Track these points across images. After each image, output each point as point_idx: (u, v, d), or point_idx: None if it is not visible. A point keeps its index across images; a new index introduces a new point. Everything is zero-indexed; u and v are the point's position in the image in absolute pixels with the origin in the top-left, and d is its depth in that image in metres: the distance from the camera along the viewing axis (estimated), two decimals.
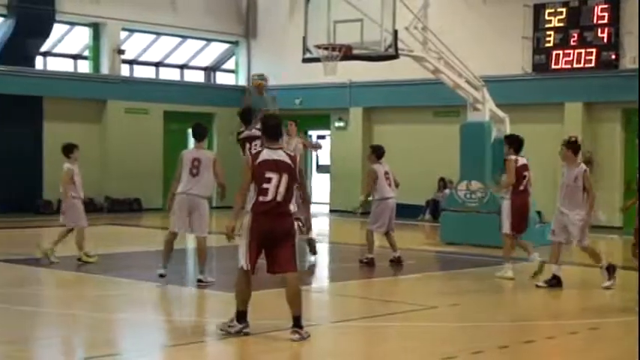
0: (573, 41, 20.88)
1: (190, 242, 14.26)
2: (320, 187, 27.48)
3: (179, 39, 26.50)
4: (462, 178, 17.38)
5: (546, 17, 21.29)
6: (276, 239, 8.24)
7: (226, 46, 27.79)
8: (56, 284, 12.03)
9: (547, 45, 21.28)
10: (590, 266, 14.24)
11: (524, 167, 12.69)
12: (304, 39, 16.81)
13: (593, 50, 20.57)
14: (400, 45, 16.17)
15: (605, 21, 20.45)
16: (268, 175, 8.18)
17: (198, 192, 11.32)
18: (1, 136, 22.64)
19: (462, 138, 17.45)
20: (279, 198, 8.20)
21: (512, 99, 20.47)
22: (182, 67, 27.23)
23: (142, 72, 26.38)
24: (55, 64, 24.58)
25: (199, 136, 11.67)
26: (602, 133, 20.97)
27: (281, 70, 26.00)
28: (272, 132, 8.41)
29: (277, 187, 8.19)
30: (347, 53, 16.10)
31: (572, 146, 11.82)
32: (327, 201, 26.23)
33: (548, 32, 21.24)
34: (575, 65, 20.87)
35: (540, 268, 12.03)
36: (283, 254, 8.27)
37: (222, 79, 28.28)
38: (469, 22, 22.55)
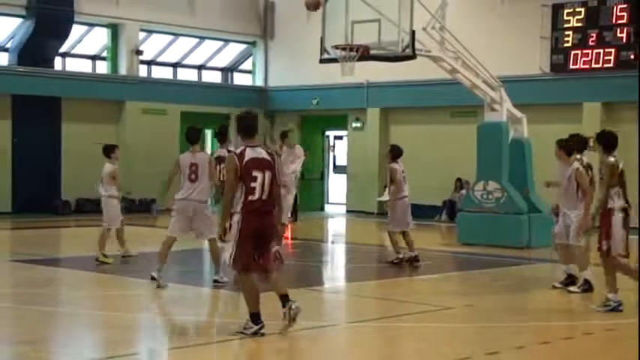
0: (592, 41, 20.78)
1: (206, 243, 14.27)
2: (337, 187, 27.48)
3: (197, 40, 26.59)
4: (478, 178, 17.32)
5: (565, 17, 21.19)
6: (264, 237, 8.34)
7: (244, 46, 27.85)
8: (74, 284, 12.09)
9: (565, 45, 21.18)
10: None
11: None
12: (322, 39, 16.80)
13: (612, 50, 20.46)
14: (417, 45, 16.13)
15: (624, 21, 20.34)
16: (255, 173, 8.25)
17: (199, 197, 11.23)
18: (19, 137, 22.80)
19: (479, 138, 17.39)
20: (264, 196, 8.28)
21: (530, 99, 20.40)
22: (200, 67, 27.31)
23: (160, 73, 26.49)
24: (74, 65, 24.73)
25: (194, 140, 11.44)
26: (621, 133, 20.78)
27: (298, 71, 26.07)
28: (248, 129, 8.46)
29: (262, 185, 8.27)
30: (364, 53, 16.07)
31: (564, 145, 11.69)
32: (344, 202, 26.22)
33: (566, 32, 21.14)
34: (593, 65, 20.76)
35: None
36: (269, 251, 8.43)
37: (239, 79, 28.35)
38: (487, 22, 22.48)
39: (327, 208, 27.13)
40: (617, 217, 9.92)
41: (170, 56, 26.59)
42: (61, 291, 11.61)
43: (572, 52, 21.07)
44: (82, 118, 23.98)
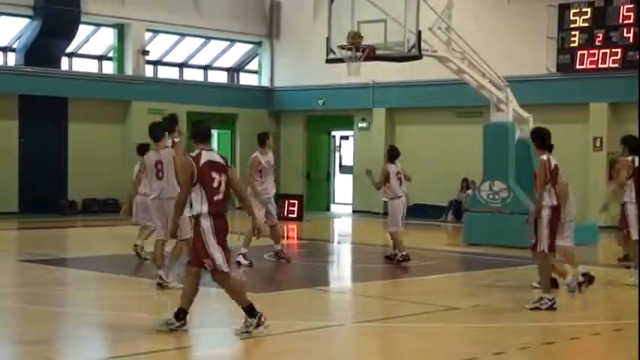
0: (598, 41, 20.75)
1: None
2: (343, 187, 27.48)
3: (203, 40, 26.61)
4: (485, 178, 17.31)
5: (571, 17, 21.16)
6: (224, 236, 8.46)
7: (250, 46, 27.87)
8: (81, 284, 12.11)
9: (572, 45, 21.15)
10: (613, 266, 14.16)
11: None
12: (328, 39, 16.81)
13: (619, 50, 20.44)
14: (424, 45, 16.13)
15: (631, 21, 20.31)
16: (214, 175, 8.37)
17: (170, 194, 10.81)
18: (26, 137, 22.85)
19: (485, 138, 17.38)
20: (223, 196, 8.41)
21: (537, 99, 20.38)
22: (206, 67, 27.34)
23: (166, 73, 26.52)
24: (80, 65, 24.78)
25: (157, 137, 11.19)
26: (628, 133, 20.76)
27: (304, 71, 26.08)
28: (204, 134, 8.60)
29: (220, 186, 8.39)
30: (370, 54, 16.08)
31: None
32: (350, 202, 26.23)
33: (573, 32, 21.11)
34: (600, 65, 20.74)
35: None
36: (227, 251, 8.52)
37: (245, 79, 28.37)
38: (493, 22, 22.47)
39: (333, 208, 27.13)
40: (546, 215, 10.06)
41: (176, 56, 26.62)
42: (68, 291, 11.63)
43: (579, 52, 21.05)
44: (88, 118, 24.03)
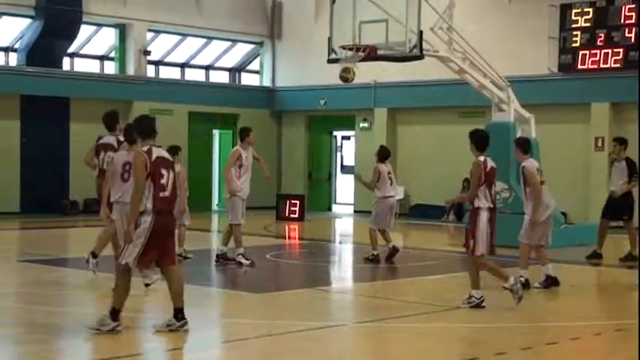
0: (600, 41, 20.74)
1: (214, 243, 14.30)
2: (344, 187, 27.48)
3: (204, 40, 26.62)
4: None
5: (573, 17, 21.15)
6: (169, 233, 8.49)
7: (251, 47, 27.88)
8: (82, 284, 12.10)
9: (573, 45, 21.15)
10: (614, 266, 14.16)
11: None
12: (329, 39, 16.81)
13: (620, 50, 20.42)
14: (425, 45, 16.12)
15: (633, 21, 20.30)
16: (162, 171, 8.35)
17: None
18: (28, 137, 22.86)
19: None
20: (170, 194, 8.41)
21: (538, 99, 20.38)
22: (207, 68, 27.34)
23: (168, 73, 26.53)
24: (82, 65, 24.79)
25: (132, 138, 10.59)
26: (630, 133, 20.74)
27: (306, 71, 26.09)
28: (151, 129, 8.58)
29: (167, 182, 8.39)
30: (372, 54, 16.07)
31: (517, 143, 11.74)
32: (352, 202, 26.22)
33: (574, 32, 21.10)
34: (601, 65, 20.73)
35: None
36: (172, 246, 8.57)
37: (247, 80, 28.37)
38: (495, 22, 22.46)
39: (335, 208, 27.13)
40: (483, 217, 10.04)
41: (178, 56, 26.63)
42: (69, 291, 11.63)
43: (581, 52, 21.04)
44: (90, 118, 23.90)
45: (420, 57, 16.23)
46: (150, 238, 8.26)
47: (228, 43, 27.29)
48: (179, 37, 26.13)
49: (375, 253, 14.11)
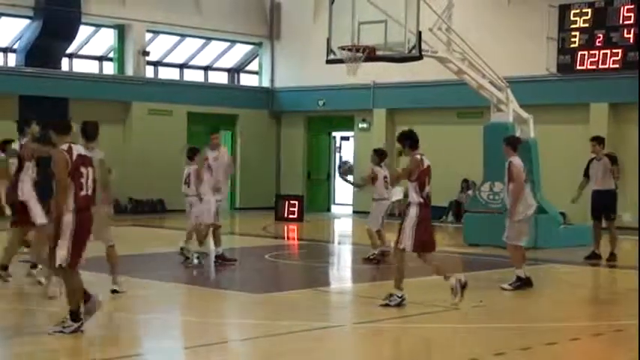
0: (599, 42, 20.74)
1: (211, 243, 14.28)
2: (343, 188, 27.45)
3: (203, 40, 26.62)
4: (485, 179, 17.31)
5: (571, 18, 21.15)
6: (88, 231, 8.44)
7: (250, 47, 27.88)
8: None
9: (572, 46, 21.15)
10: (615, 267, 14.17)
11: None
12: (328, 40, 16.81)
13: (619, 51, 20.43)
14: (424, 46, 16.13)
15: (631, 21, 20.30)
16: (82, 169, 8.36)
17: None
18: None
19: (486, 139, 17.38)
20: (90, 192, 8.41)
21: (537, 100, 20.39)
22: (206, 68, 27.34)
23: (167, 73, 26.53)
24: (81, 66, 24.78)
25: (93, 136, 10.84)
26: (629, 134, 20.81)
27: (304, 72, 26.10)
28: (66, 126, 8.85)
29: (87, 181, 8.39)
30: (371, 54, 16.08)
31: (504, 140, 11.78)
32: (350, 202, 26.22)
33: (573, 33, 21.11)
34: (600, 66, 20.73)
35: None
36: (86, 246, 8.48)
37: (246, 80, 28.38)
38: (493, 23, 22.47)
39: (334, 208, 27.13)
40: (411, 212, 10.20)
41: (177, 57, 26.63)
42: None
43: (579, 53, 21.04)
44: (88, 118, 23.65)
45: (419, 58, 16.24)
46: (74, 235, 8.24)
47: (227, 44, 27.30)
48: (178, 38, 26.13)
49: (376, 252, 14.28)
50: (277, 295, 11.25)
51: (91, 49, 25.04)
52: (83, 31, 23.98)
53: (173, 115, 25.30)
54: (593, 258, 14.64)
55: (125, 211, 23.89)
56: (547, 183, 18.04)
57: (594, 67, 20.83)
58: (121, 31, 24.84)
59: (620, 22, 20.46)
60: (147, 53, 24.99)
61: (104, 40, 25.17)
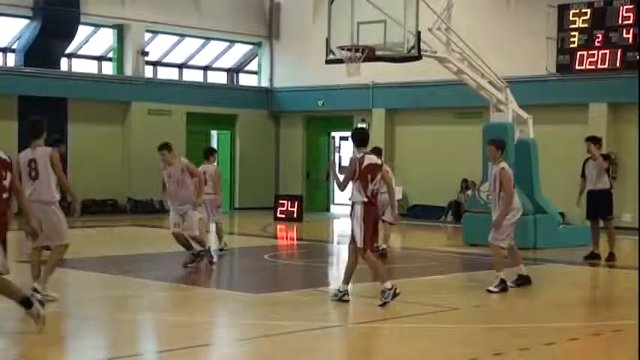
0: (598, 42, 20.75)
1: (212, 243, 14.29)
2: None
3: (202, 40, 26.61)
4: (484, 179, 17.27)
5: (571, 18, 21.17)
6: (5, 233, 8.40)
7: (249, 47, 27.88)
8: (77, 285, 12.11)
9: (571, 46, 21.16)
10: (614, 267, 14.18)
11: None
12: (327, 40, 16.81)
13: (618, 51, 20.44)
14: (423, 46, 16.13)
15: (630, 22, 20.31)
16: (2, 172, 8.30)
17: (42, 197, 9.97)
18: (25, 138, 22.77)
19: (485, 139, 17.35)
20: (9, 195, 8.42)
21: (536, 100, 20.40)
22: (205, 68, 27.34)
23: (166, 73, 26.52)
24: (80, 66, 24.78)
25: (39, 134, 10.46)
26: (627, 134, 20.82)
27: (304, 72, 26.10)
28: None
29: (7, 184, 8.37)
30: (370, 54, 16.08)
31: (494, 143, 11.69)
32: (350, 202, 26.18)
33: (572, 33, 21.12)
34: (599, 66, 20.74)
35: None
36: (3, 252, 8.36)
37: (245, 80, 28.37)
38: (493, 23, 22.48)
39: (333, 208, 27.12)
40: (356, 211, 10.41)
41: (176, 57, 26.63)
42: (67, 291, 11.62)
43: (578, 53, 21.05)
44: (88, 118, 24.03)
45: (418, 58, 16.24)
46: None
47: (226, 44, 27.29)
48: (177, 38, 26.13)
49: (383, 247, 14.58)
50: (277, 295, 11.25)
51: (90, 49, 25.04)
52: (82, 31, 23.97)
53: (172, 115, 25.30)
54: (593, 258, 14.65)
55: (124, 211, 23.89)
56: (546, 183, 18.04)
57: (593, 67, 20.84)
58: (120, 31, 24.83)
59: (620, 22, 20.47)
60: (146, 53, 24.98)
61: (103, 40, 25.16)
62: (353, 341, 8.80)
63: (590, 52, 20.86)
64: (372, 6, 15.98)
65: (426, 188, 23.95)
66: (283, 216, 22.60)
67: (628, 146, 20.76)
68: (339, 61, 16.59)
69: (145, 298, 10.90)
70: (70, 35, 23.41)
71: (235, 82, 28.19)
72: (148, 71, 25.70)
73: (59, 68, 23.62)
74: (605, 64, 20.65)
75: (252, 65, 28.23)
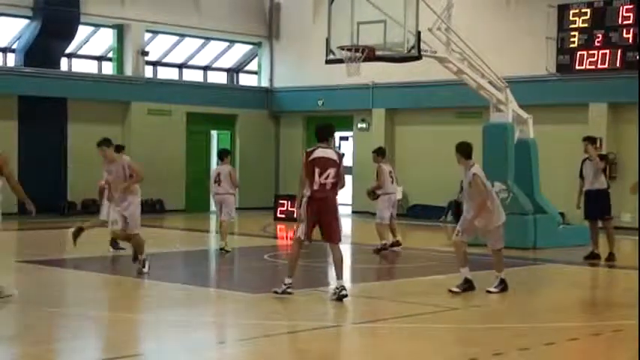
0: (598, 42, 20.76)
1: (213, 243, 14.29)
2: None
3: (202, 40, 26.61)
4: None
5: (571, 18, 21.17)
6: None
7: (249, 47, 27.88)
8: (81, 285, 12.12)
9: (571, 46, 21.17)
10: (614, 267, 14.18)
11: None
12: (327, 40, 16.81)
13: (618, 51, 20.44)
14: (423, 46, 16.13)
15: (630, 21, 20.31)
16: None
17: None
18: (25, 138, 22.84)
19: (485, 139, 17.38)
20: None
21: (536, 100, 20.40)
22: (205, 68, 27.34)
23: (166, 73, 26.52)
24: (80, 66, 24.78)
25: None
26: (627, 134, 20.83)
27: (304, 72, 26.11)
28: None
29: None
30: (370, 54, 16.08)
31: (460, 149, 11.63)
32: (350, 202, 26.23)
33: (572, 33, 21.12)
34: (599, 66, 20.74)
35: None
36: None
37: (245, 80, 28.37)
38: (493, 23, 22.48)
39: None
40: (304, 205, 10.59)
41: (176, 57, 26.62)
42: (67, 291, 11.63)
43: (578, 53, 21.05)
44: (87, 118, 24.01)
45: (418, 58, 16.24)
46: None
47: (226, 44, 27.30)
48: (177, 38, 26.13)
49: (384, 241, 15.18)
50: (276, 295, 11.24)
51: (90, 49, 25.03)
52: (82, 31, 23.97)
53: (172, 115, 25.31)
54: (592, 258, 14.65)
55: None
56: (546, 183, 18.05)
57: (593, 67, 20.84)
58: (120, 31, 24.83)
59: (619, 22, 20.47)
60: (146, 53, 24.98)
61: (103, 40, 25.15)
62: (353, 341, 8.80)
63: (590, 52, 20.86)
64: (372, 6, 15.98)
65: (426, 188, 23.95)
66: (283, 216, 22.59)
67: (628, 146, 20.75)
68: (339, 61, 16.59)
69: (145, 298, 10.90)
70: (70, 35, 23.41)
71: (235, 82, 28.20)
72: (148, 71, 25.71)
73: (59, 68, 23.62)
74: (605, 64, 20.65)
75: (252, 65, 28.23)
